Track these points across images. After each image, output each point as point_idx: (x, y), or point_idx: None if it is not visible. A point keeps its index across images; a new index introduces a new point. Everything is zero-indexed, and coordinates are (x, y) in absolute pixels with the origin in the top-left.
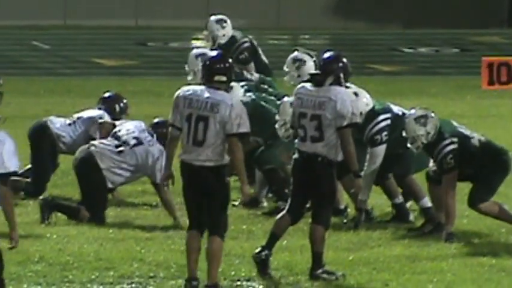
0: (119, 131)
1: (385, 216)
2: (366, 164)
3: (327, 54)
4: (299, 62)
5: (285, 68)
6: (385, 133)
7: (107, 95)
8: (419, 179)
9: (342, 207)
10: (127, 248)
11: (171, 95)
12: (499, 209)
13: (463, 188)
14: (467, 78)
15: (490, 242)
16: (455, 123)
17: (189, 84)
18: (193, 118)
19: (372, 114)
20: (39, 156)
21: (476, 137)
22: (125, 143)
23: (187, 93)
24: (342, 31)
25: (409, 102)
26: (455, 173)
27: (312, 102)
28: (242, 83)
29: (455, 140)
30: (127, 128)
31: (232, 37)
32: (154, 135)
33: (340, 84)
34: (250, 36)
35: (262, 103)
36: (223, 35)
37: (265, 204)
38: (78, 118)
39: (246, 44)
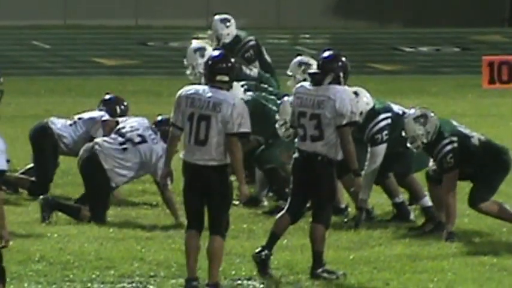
0: (123, 127)
1: (386, 215)
2: (366, 163)
3: (326, 53)
4: (305, 66)
5: (289, 72)
6: (385, 132)
7: (107, 96)
8: (419, 178)
9: (343, 206)
10: (127, 247)
11: (170, 94)
12: (499, 208)
13: (464, 188)
14: (468, 77)
15: (491, 241)
16: (455, 123)
17: (192, 83)
18: (196, 117)
19: (372, 113)
20: (42, 156)
21: (476, 136)
22: (129, 140)
23: (190, 92)
24: (342, 30)
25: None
26: (455, 172)
27: (311, 102)
28: (242, 83)
29: (455, 139)
30: (131, 124)
31: (237, 36)
32: (158, 133)
33: (339, 83)
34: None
35: (264, 102)
36: (228, 34)
37: (265, 203)
38: (79, 119)
39: (252, 43)
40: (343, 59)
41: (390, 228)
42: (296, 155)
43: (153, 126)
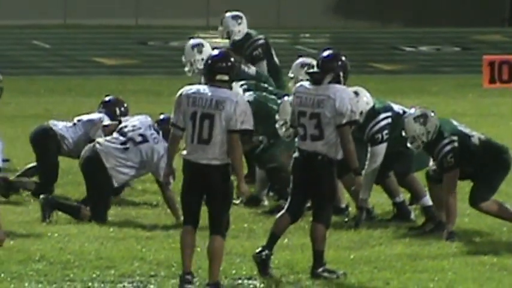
0: (125, 126)
1: (386, 215)
2: (366, 163)
3: (325, 53)
4: (307, 67)
5: (290, 74)
6: (385, 132)
7: (107, 98)
8: (419, 178)
9: (343, 206)
10: (128, 246)
11: (170, 94)
12: (500, 207)
13: (464, 187)
14: (468, 77)
15: (491, 240)
16: (455, 122)
17: (191, 83)
18: (198, 116)
19: (373, 113)
20: (46, 157)
21: (476, 135)
22: (131, 139)
23: (191, 92)
24: (342, 30)
25: (410, 101)
26: (455, 171)
27: (311, 101)
28: (241, 82)
29: (455, 138)
30: (133, 124)
31: (247, 34)
32: (160, 132)
33: (339, 82)
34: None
35: (265, 101)
36: (239, 31)
37: (266, 203)
38: (79, 121)
39: (261, 41)
40: (343, 58)
41: (390, 227)
42: (296, 154)
43: (155, 124)
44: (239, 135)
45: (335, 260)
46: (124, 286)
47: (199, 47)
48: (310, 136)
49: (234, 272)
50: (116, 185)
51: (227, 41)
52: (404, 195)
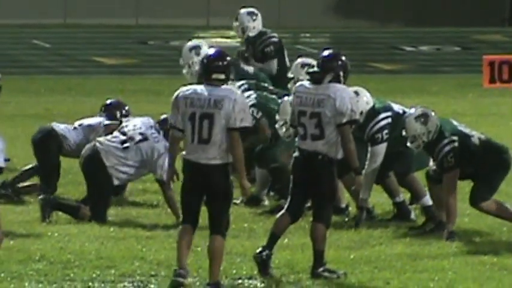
0: (126, 126)
1: (387, 214)
2: (366, 162)
3: (325, 52)
4: (308, 67)
5: (290, 75)
6: (385, 131)
7: (108, 101)
8: (419, 178)
9: (343, 205)
10: (128, 246)
11: (170, 93)
12: (500, 207)
13: (464, 187)
14: (469, 77)
15: (491, 240)
16: (455, 122)
17: (189, 84)
18: (197, 116)
19: (373, 112)
20: (46, 158)
21: (476, 135)
22: (131, 138)
23: (188, 92)
24: (342, 30)
25: (410, 101)
26: (456, 171)
27: (311, 100)
28: (242, 82)
29: (455, 138)
30: (134, 123)
31: (262, 32)
32: (161, 132)
33: (339, 82)
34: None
35: (266, 102)
36: (253, 28)
37: (266, 202)
38: (79, 125)
39: (275, 39)
40: (343, 58)
41: (391, 227)
42: (296, 154)
43: (157, 125)
44: (239, 132)
45: (335, 259)
46: (124, 286)
47: (197, 49)
48: (310, 136)
49: (234, 271)
50: (116, 183)
51: (226, 40)
52: (404, 195)
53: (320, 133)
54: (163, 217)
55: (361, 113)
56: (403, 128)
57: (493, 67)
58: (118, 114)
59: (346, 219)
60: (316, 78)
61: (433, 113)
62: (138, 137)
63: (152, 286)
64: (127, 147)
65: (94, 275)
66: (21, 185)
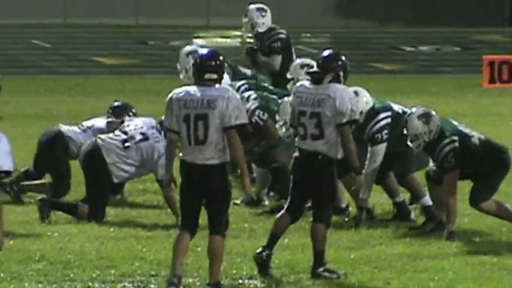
0: (127, 125)
1: (387, 214)
2: (366, 162)
3: (325, 53)
4: (307, 67)
5: (289, 76)
6: (385, 131)
7: (116, 104)
8: (419, 178)
9: (343, 206)
10: (128, 246)
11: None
12: (500, 207)
13: (464, 187)
14: (468, 77)
15: (491, 240)
16: (455, 122)
17: (183, 85)
18: (192, 118)
19: (372, 112)
20: (55, 166)
21: (476, 135)
22: (131, 137)
23: (181, 94)
24: (342, 30)
25: (410, 101)
26: (456, 172)
27: (311, 100)
28: (242, 82)
29: (455, 138)
30: (135, 123)
31: (272, 28)
32: (162, 132)
33: (339, 82)
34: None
35: (267, 103)
36: (263, 24)
37: (266, 202)
38: (89, 127)
39: (282, 36)
40: (343, 58)
41: (391, 227)
42: (296, 154)
43: (158, 125)
44: (235, 130)
45: (335, 259)
46: (124, 286)
47: (193, 54)
48: (310, 135)
49: (234, 271)
50: (115, 181)
51: (226, 40)
52: (404, 195)
53: (320, 133)
54: (163, 217)
55: (361, 113)
56: (404, 127)
57: (492, 67)
58: (126, 117)
59: (346, 219)
60: (316, 78)
61: (435, 113)
62: (139, 137)
63: (152, 286)
64: (127, 146)
65: (94, 275)
66: (27, 183)
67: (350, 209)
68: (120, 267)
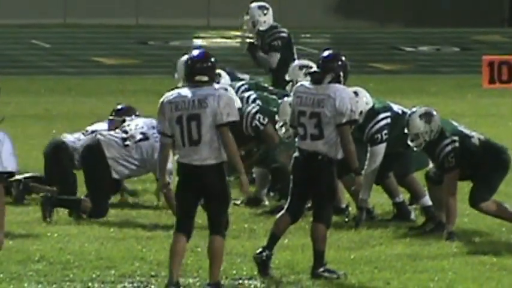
0: (128, 125)
1: (386, 215)
2: (366, 163)
3: (326, 53)
4: (306, 68)
5: (288, 77)
6: (385, 132)
7: (119, 107)
8: (418, 178)
9: (343, 206)
10: (128, 247)
11: None
12: (500, 207)
13: (464, 187)
14: (468, 77)
15: (491, 240)
16: (454, 123)
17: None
18: (184, 119)
19: (372, 113)
20: (63, 171)
21: (476, 135)
22: (132, 136)
23: (172, 97)
24: (342, 30)
25: (409, 101)
26: (456, 172)
27: (311, 100)
28: (242, 82)
29: (456, 139)
30: (136, 123)
31: (273, 26)
32: None
33: (339, 82)
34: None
35: (267, 103)
36: (264, 22)
37: (266, 203)
38: (93, 132)
39: (284, 34)
40: (343, 58)
41: (391, 227)
42: (296, 154)
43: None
44: (228, 128)
45: (335, 260)
46: (124, 286)
47: None
48: (310, 136)
49: (234, 272)
50: (115, 176)
51: (226, 40)
52: (404, 195)
53: (320, 133)
54: (163, 217)
55: (361, 113)
56: (405, 127)
57: (492, 67)
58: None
59: (346, 219)
60: (316, 79)
61: (436, 113)
62: (139, 136)
63: (152, 287)
64: (127, 145)
65: (94, 276)
66: (37, 184)
67: (350, 209)
68: (120, 267)
